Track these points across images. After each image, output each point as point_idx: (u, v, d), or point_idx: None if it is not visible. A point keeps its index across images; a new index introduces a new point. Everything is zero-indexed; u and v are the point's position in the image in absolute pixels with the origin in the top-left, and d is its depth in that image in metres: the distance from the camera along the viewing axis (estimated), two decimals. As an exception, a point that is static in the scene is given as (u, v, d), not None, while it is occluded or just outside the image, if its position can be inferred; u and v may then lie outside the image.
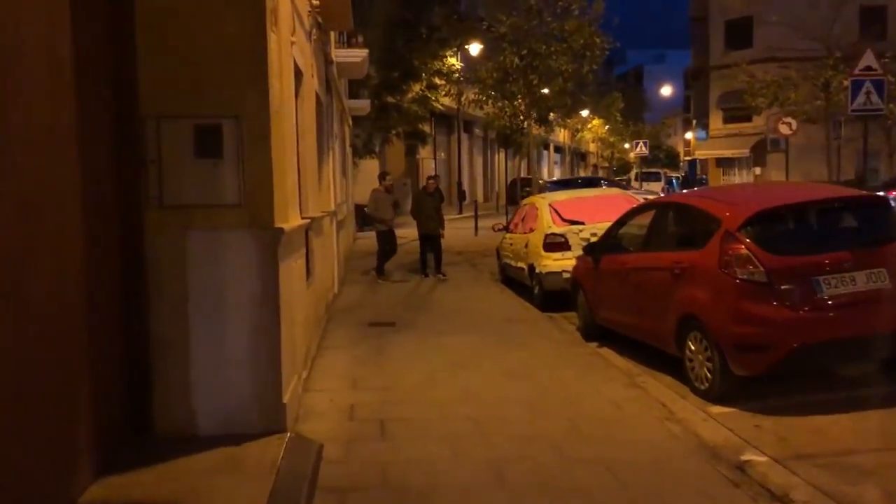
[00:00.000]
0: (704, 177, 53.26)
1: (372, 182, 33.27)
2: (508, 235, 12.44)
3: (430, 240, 13.17)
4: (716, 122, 37.97)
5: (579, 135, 68.08)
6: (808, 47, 31.26)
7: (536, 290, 10.63)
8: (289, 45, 6.56)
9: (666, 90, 68.19)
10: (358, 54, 13.32)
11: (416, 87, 30.97)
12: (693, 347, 6.20)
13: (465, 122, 39.67)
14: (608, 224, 9.97)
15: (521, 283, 12.04)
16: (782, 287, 5.59)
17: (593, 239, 9.94)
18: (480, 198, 44.80)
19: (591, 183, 27.84)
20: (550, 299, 10.34)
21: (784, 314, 5.54)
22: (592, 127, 69.90)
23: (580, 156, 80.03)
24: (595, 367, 7.11)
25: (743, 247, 5.75)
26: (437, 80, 31.55)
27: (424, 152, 36.26)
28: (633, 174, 76.28)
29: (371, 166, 33.02)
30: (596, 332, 8.34)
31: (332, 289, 11.23)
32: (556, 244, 10.17)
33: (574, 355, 7.61)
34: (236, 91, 5.09)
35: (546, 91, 15.50)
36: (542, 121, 19.70)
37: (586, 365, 7.20)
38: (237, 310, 5.05)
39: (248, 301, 5.07)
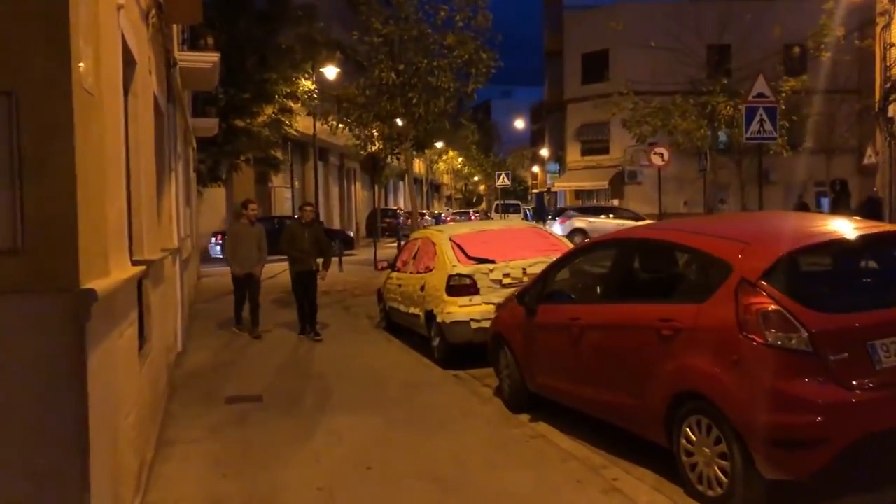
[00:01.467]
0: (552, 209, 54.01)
1: (217, 213, 30.47)
2: (395, 275, 10.51)
3: (305, 278, 10.60)
4: (573, 154, 38.08)
5: (435, 166, 67.84)
6: (663, 81, 31.86)
7: (437, 343, 8.76)
8: (114, 8, 4.39)
9: (518, 124, 69.29)
10: (207, 59, 10.97)
11: (269, 110, 28.64)
12: (695, 438, 4.54)
13: (319, 150, 37.47)
14: (523, 263, 8.40)
15: (410, 330, 10.17)
16: (832, 357, 4.06)
17: (507, 280, 8.29)
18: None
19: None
20: (453, 353, 8.55)
21: (840, 395, 4.00)
22: (447, 158, 69.98)
23: (435, 187, 79.72)
24: (547, 459, 5.30)
25: (772, 301, 4.18)
26: (291, 104, 29.38)
27: (277, 180, 33.68)
28: (484, 206, 77.00)
29: (217, 195, 30.14)
30: (525, 401, 6.60)
31: (174, 348, 8.82)
32: (461, 287, 8.36)
33: (512, 440, 5.78)
34: (9, 51, 2.92)
35: (422, 112, 13.72)
36: (421, 146, 17.96)
37: (534, 456, 5.38)
38: (9, 433, 2.83)
39: (30, 416, 2.87)
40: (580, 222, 26.10)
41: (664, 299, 4.91)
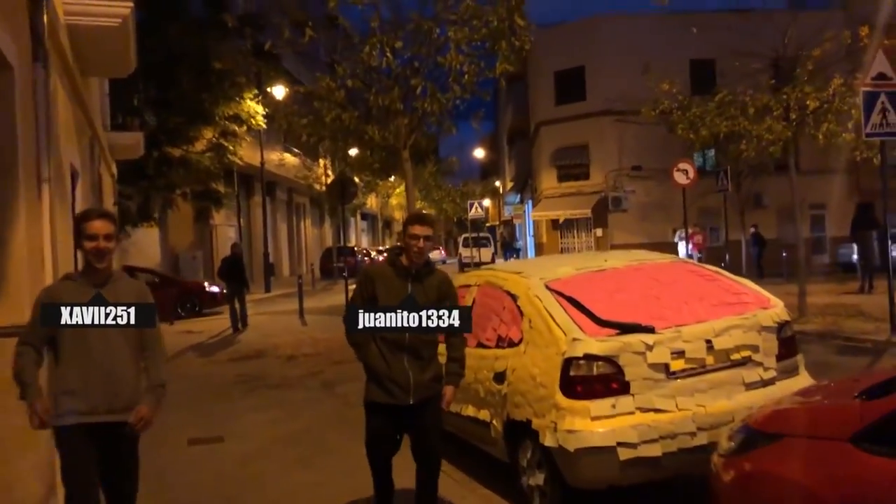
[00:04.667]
0: (516, 242, 50.63)
1: (150, 259, 25.87)
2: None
3: (398, 420, 4.34)
4: (549, 181, 34.50)
5: (388, 200, 64.27)
6: (644, 98, 28.65)
7: (541, 482, 4.71)
8: None
9: (478, 153, 66.31)
10: (112, 6, 6.83)
11: (209, 134, 24.48)
12: None
13: (267, 183, 33.29)
14: (705, 329, 4.52)
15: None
16: None
17: (679, 365, 4.43)
18: (286, 272, 38.28)
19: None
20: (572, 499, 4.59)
21: None
22: (399, 192, 66.43)
23: (386, 223, 75.76)
24: None
25: None
26: (236, 127, 25.26)
27: (220, 218, 29.29)
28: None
29: (149, 237, 25.70)
30: None
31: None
32: (594, 381, 4.39)
33: None
34: None
35: (429, 107, 9.66)
36: (423, 154, 13.90)
37: None
38: None
39: None
40: None
41: None
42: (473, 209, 30.89)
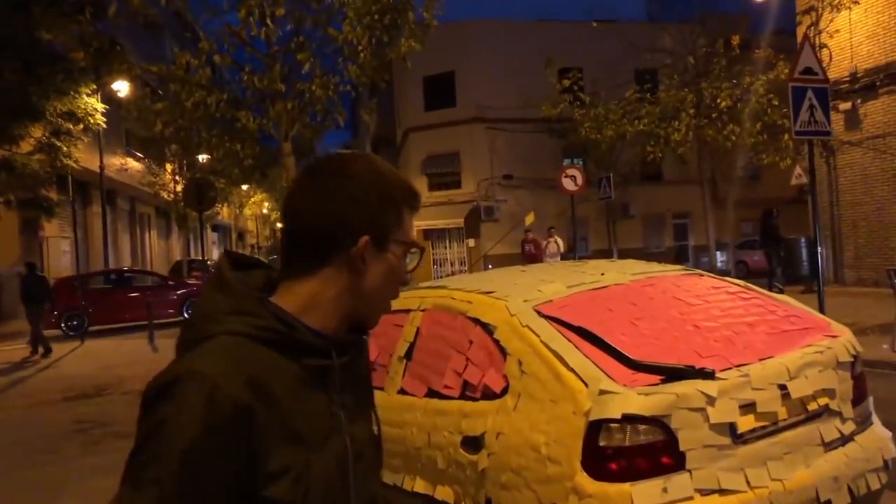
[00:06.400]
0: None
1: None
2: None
3: None
4: (419, 189, 33.35)
5: (242, 211, 61.18)
6: (515, 105, 28.24)
7: None
8: None
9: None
10: None
11: (37, 133, 21.38)
12: None
13: (106, 191, 29.87)
14: (776, 369, 3.21)
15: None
16: None
17: (748, 424, 3.07)
18: (131, 289, 34.64)
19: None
20: None
21: None
22: (254, 202, 63.52)
23: (240, 235, 72.08)
24: None
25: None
26: (70, 126, 22.18)
27: (51, 229, 25.83)
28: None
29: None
30: None
31: None
32: (637, 453, 2.99)
33: None
34: None
35: (317, 90, 7.96)
36: (305, 149, 12.03)
37: None
38: None
39: None
40: None
41: None
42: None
